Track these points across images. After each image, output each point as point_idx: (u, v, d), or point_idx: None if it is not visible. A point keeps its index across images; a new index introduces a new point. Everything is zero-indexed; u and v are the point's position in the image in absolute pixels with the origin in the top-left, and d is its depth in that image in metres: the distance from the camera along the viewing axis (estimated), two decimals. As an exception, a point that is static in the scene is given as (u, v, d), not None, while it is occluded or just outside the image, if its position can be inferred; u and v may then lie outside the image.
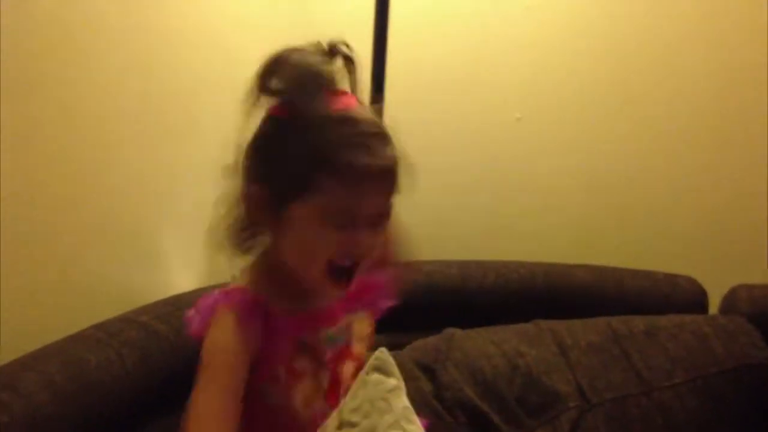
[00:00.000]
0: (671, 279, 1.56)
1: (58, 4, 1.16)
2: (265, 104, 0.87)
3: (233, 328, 0.84)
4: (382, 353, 0.86)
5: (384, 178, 0.83)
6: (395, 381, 0.88)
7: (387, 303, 0.97)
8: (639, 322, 1.43)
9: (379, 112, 0.89)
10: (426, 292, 1.44)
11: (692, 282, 1.56)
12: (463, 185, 1.81)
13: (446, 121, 1.83)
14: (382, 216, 0.86)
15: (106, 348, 1.05)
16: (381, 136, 0.83)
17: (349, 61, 0.88)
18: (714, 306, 1.55)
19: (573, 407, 1.31)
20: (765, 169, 1.79)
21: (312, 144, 0.82)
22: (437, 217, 1.76)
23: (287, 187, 0.84)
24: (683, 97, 1.81)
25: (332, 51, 0.86)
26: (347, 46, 0.87)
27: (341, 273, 0.85)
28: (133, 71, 1.33)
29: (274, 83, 0.84)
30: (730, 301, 1.50)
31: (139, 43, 1.34)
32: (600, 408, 1.32)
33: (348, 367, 0.94)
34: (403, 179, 0.85)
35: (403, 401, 0.89)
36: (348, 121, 0.83)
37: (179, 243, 1.53)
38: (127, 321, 1.12)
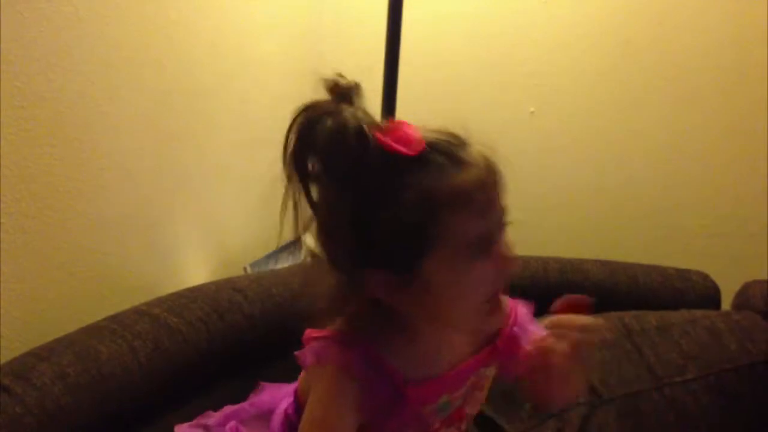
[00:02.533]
0: (684, 274, 1.55)
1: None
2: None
3: (348, 398, 0.77)
4: None
5: (487, 178, 0.75)
6: None
7: (523, 353, 0.88)
8: (651, 317, 1.42)
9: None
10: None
11: (705, 277, 1.55)
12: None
13: (460, 115, 1.82)
14: (501, 222, 0.78)
15: (119, 340, 1.05)
16: (459, 145, 0.75)
17: (355, 91, 0.75)
18: (727, 302, 1.54)
19: (583, 402, 1.30)
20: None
21: (407, 196, 0.71)
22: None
23: (407, 250, 0.73)
24: (698, 92, 1.80)
25: (337, 93, 0.74)
26: (341, 76, 0.75)
27: (496, 301, 0.79)
28: (148, 66, 1.34)
29: (312, 166, 0.74)
30: (743, 297, 1.49)
31: (155, 40, 1.35)
32: (611, 403, 1.32)
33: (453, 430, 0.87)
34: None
35: None
36: (425, 154, 0.73)
37: (192, 235, 1.53)
38: (139, 313, 1.12)
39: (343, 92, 0.74)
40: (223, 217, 1.63)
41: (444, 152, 0.74)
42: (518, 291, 1.52)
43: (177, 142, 1.45)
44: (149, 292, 1.21)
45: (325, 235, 0.76)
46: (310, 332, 0.84)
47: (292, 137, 0.74)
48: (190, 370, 1.12)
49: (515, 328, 0.89)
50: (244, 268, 1.61)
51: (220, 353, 1.16)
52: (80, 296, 1.23)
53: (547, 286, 1.51)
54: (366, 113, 0.74)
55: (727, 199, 1.83)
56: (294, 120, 0.74)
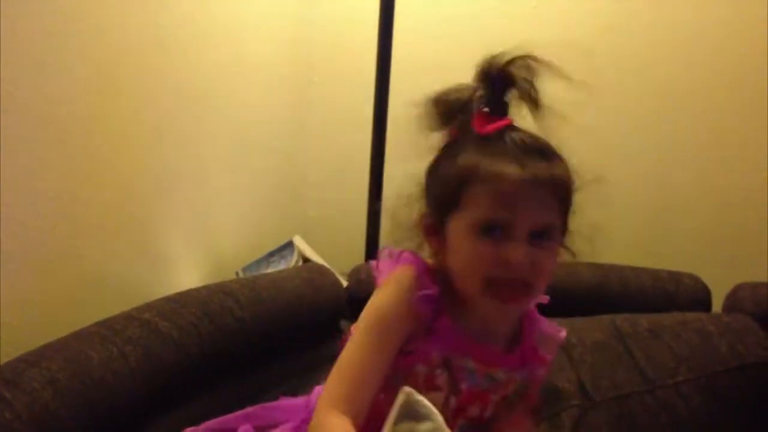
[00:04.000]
0: (675, 277, 1.55)
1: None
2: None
3: (407, 291, 0.87)
4: (410, 395, 0.79)
5: (536, 189, 0.84)
6: (430, 425, 0.78)
7: (543, 373, 0.98)
8: (643, 320, 1.42)
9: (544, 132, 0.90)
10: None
11: (696, 280, 1.55)
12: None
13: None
14: (544, 233, 0.85)
15: (109, 345, 1.05)
16: (534, 151, 0.85)
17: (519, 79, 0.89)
18: (718, 304, 1.54)
19: (575, 405, 1.30)
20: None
21: (462, 161, 0.85)
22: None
23: (443, 203, 0.87)
24: (690, 95, 1.80)
25: (485, 73, 0.89)
26: (513, 62, 0.90)
27: (500, 289, 0.85)
28: (139, 70, 1.33)
29: (435, 118, 0.90)
30: (734, 300, 1.49)
31: (147, 44, 1.34)
32: (603, 406, 1.32)
33: (475, 409, 0.93)
34: (569, 200, 0.89)
35: None
36: (495, 137, 0.85)
37: (184, 240, 1.53)
38: (130, 318, 1.12)
39: (487, 73, 0.89)
40: (215, 221, 1.63)
41: (508, 147, 0.84)
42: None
43: (169, 147, 1.44)
44: (140, 297, 1.20)
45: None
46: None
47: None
48: (182, 375, 1.12)
49: (536, 342, 0.97)
50: (236, 273, 1.61)
51: (211, 358, 1.16)
52: (71, 302, 1.23)
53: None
54: (485, 99, 0.88)
55: (718, 202, 1.84)
56: None
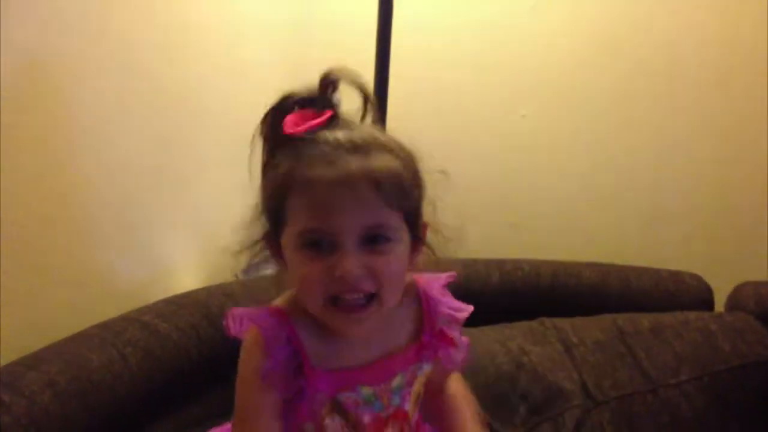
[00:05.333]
0: (677, 276, 1.55)
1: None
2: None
3: (260, 352, 0.80)
4: None
5: (352, 189, 0.75)
6: None
7: (461, 356, 0.91)
8: (645, 319, 1.42)
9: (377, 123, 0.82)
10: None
11: (698, 279, 1.55)
12: (468, 182, 1.80)
13: (452, 118, 1.82)
14: (378, 236, 0.77)
15: (109, 347, 1.05)
16: (349, 147, 0.76)
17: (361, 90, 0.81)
18: (720, 303, 1.54)
19: (577, 405, 1.30)
20: (770, 166, 1.79)
21: (276, 171, 0.78)
22: (441, 215, 1.76)
23: (273, 218, 0.81)
24: (688, 94, 1.80)
25: (323, 82, 0.80)
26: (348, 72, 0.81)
27: (344, 305, 0.77)
28: (137, 70, 1.33)
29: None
30: (736, 299, 1.49)
31: (144, 43, 1.34)
32: (605, 406, 1.32)
33: (394, 430, 0.86)
34: (402, 193, 0.78)
35: None
36: (309, 139, 0.77)
37: (183, 241, 1.53)
38: (129, 320, 1.12)
39: (325, 82, 0.80)
40: (215, 223, 1.62)
41: (320, 147, 0.76)
42: (511, 293, 1.53)
43: (167, 148, 1.44)
44: (140, 300, 1.20)
45: None
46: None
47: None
48: (181, 377, 1.11)
49: (440, 325, 0.89)
50: (235, 275, 1.60)
51: (210, 360, 1.15)
52: (70, 304, 1.22)
53: (540, 289, 1.51)
54: (307, 98, 0.80)
55: (719, 202, 1.83)
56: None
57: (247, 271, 1.61)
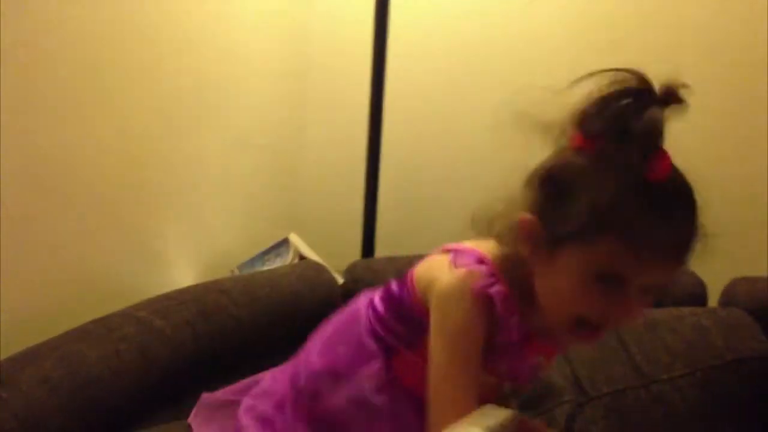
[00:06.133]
0: (670, 272, 1.55)
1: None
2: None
3: (478, 311, 0.83)
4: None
5: (675, 252, 0.78)
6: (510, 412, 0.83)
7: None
8: (638, 315, 1.42)
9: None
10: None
11: (691, 275, 1.55)
12: (460, 179, 1.80)
13: (446, 115, 1.82)
14: (658, 288, 0.81)
15: (105, 343, 1.05)
16: (688, 208, 0.79)
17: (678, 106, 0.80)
18: (713, 299, 1.54)
19: (569, 400, 1.31)
20: (765, 162, 1.79)
21: (612, 199, 0.75)
22: (433, 211, 1.77)
23: (567, 228, 0.78)
24: (683, 91, 1.80)
25: (666, 97, 0.79)
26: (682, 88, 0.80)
27: (584, 331, 0.81)
28: (133, 70, 1.33)
29: (597, 123, 0.78)
30: (730, 294, 1.49)
31: (140, 42, 1.34)
32: (598, 401, 1.32)
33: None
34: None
35: None
36: (660, 188, 0.76)
37: (180, 238, 1.53)
38: (125, 316, 1.12)
39: (668, 97, 0.79)
40: (210, 219, 1.63)
41: (668, 201, 0.77)
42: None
43: (163, 144, 1.44)
44: (136, 295, 1.20)
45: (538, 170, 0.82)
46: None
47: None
48: (177, 373, 1.12)
49: None
50: (232, 271, 1.61)
51: (206, 355, 1.16)
52: (67, 300, 1.23)
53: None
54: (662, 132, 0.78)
55: (713, 197, 1.83)
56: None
57: (243, 266, 1.62)
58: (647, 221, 0.75)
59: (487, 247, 0.87)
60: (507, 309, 0.83)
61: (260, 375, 1.05)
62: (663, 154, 0.78)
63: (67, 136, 1.21)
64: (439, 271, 0.87)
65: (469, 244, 0.88)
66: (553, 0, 1.78)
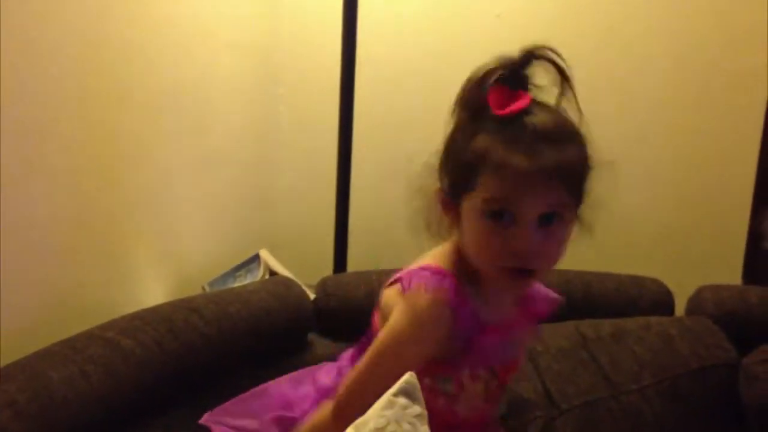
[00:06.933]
0: (638, 281, 1.57)
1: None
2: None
3: (435, 316, 0.90)
4: (412, 377, 0.84)
5: (545, 179, 0.85)
6: (420, 409, 0.85)
7: (548, 309, 1.05)
8: (606, 325, 1.44)
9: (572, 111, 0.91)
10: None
11: (658, 284, 1.57)
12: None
13: (418, 130, 1.83)
14: (553, 215, 0.88)
15: (70, 364, 1.04)
16: (547, 137, 0.85)
17: (556, 67, 0.90)
18: (680, 307, 1.56)
19: (540, 416, 1.31)
20: (729, 171, 1.82)
21: (476, 144, 0.87)
22: (405, 226, 1.77)
23: (458, 183, 0.90)
24: (653, 101, 1.82)
25: (525, 56, 0.88)
26: (551, 51, 0.90)
27: (511, 275, 0.89)
28: (102, 82, 1.33)
29: (459, 95, 0.92)
30: (696, 303, 1.51)
31: (111, 56, 1.34)
32: (570, 414, 1.33)
33: (510, 378, 1.03)
34: (593, 182, 0.90)
35: (426, 430, 0.86)
36: (511, 120, 0.86)
37: (149, 255, 1.52)
38: (92, 337, 1.11)
39: (527, 56, 0.89)
40: (180, 235, 1.62)
41: (521, 134, 0.85)
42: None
43: (132, 159, 1.44)
44: (106, 315, 1.19)
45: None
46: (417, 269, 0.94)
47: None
48: (145, 393, 1.11)
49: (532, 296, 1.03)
50: (203, 287, 1.60)
51: (175, 375, 1.15)
52: (33, 321, 1.21)
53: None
54: (513, 75, 0.88)
55: (679, 205, 1.86)
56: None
57: (214, 283, 1.62)
58: (504, 153, 0.85)
59: (438, 251, 0.96)
60: (460, 297, 0.90)
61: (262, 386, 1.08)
62: (502, 92, 0.87)
63: (28, 151, 1.20)
64: (393, 303, 0.94)
65: (424, 258, 0.96)
66: (520, 14, 1.80)
